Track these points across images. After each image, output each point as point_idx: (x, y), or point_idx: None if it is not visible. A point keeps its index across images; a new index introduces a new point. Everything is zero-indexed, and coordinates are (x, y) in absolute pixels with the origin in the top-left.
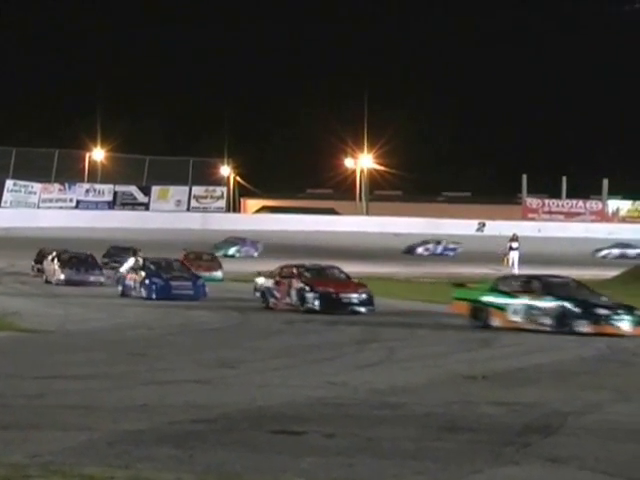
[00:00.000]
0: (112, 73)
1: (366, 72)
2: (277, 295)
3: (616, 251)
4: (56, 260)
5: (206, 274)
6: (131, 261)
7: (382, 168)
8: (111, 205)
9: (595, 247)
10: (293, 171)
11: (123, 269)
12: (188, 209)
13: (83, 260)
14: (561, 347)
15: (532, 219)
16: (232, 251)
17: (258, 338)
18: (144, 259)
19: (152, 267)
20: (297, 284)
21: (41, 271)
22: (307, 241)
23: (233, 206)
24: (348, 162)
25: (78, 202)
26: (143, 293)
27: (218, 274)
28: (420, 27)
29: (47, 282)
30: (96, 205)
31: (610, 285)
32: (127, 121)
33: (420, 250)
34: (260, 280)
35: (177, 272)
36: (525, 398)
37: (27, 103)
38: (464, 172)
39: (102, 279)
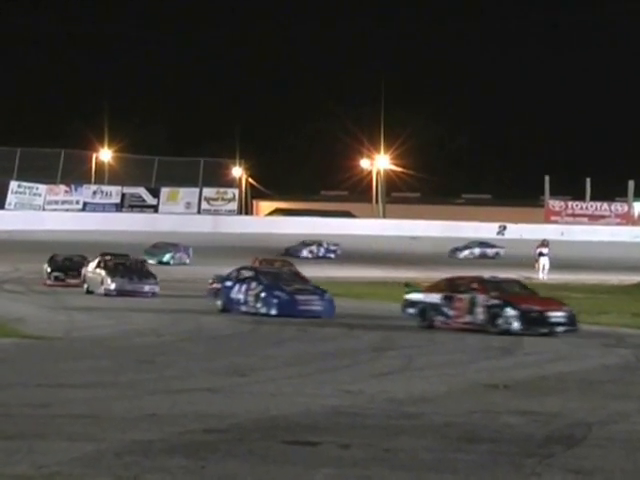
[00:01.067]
0: (120, 71)
1: (383, 71)
2: (450, 313)
3: (477, 250)
4: (102, 267)
5: None
6: (232, 272)
7: (399, 169)
8: (119, 207)
9: (453, 246)
10: (307, 172)
11: (218, 281)
12: (199, 211)
13: (133, 267)
14: (585, 355)
15: (555, 222)
16: (167, 257)
17: (271, 345)
18: (254, 268)
19: (267, 278)
20: (486, 300)
21: (60, 279)
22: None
23: (245, 208)
24: (364, 163)
25: (85, 204)
26: (261, 309)
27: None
28: (440, 25)
29: (88, 292)
30: (103, 207)
31: (635, 290)
32: (135, 120)
33: (305, 253)
34: (415, 295)
35: (298, 284)
36: (548, 408)
37: (32, 102)
38: (484, 173)
39: (157, 289)
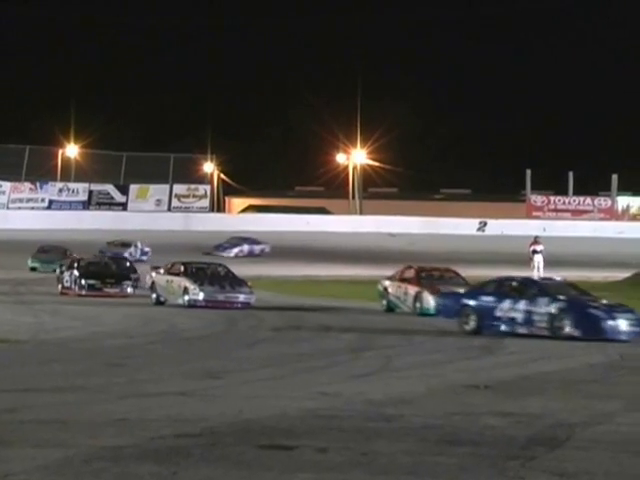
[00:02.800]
0: (86, 64)
1: (359, 62)
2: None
3: (246, 248)
4: (180, 272)
5: None
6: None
7: (376, 164)
8: (86, 205)
9: (215, 243)
10: (281, 168)
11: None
12: (169, 209)
13: (219, 272)
14: (568, 354)
15: (537, 217)
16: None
17: (245, 347)
18: (529, 280)
19: (559, 293)
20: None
21: (96, 288)
22: (297, 242)
23: (217, 205)
24: (340, 158)
25: (51, 202)
26: (565, 329)
27: None
28: (418, 16)
29: (158, 303)
30: (70, 205)
31: (619, 287)
32: (103, 115)
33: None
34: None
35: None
36: (530, 408)
37: None
38: (464, 168)
39: (253, 299)
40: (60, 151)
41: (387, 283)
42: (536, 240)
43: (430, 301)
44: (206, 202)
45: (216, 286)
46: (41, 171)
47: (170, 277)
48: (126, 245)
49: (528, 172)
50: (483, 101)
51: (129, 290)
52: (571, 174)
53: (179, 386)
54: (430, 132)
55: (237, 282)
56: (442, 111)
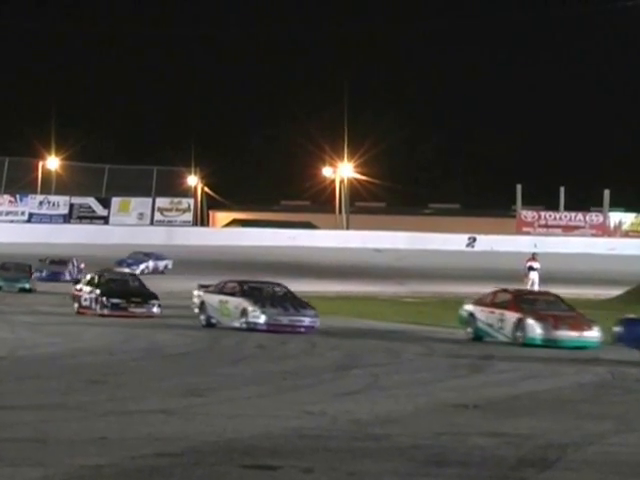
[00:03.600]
0: (68, 75)
1: (346, 74)
2: None
3: (151, 264)
4: (234, 292)
5: (574, 335)
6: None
7: (364, 178)
8: (67, 218)
9: (118, 259)
10: (267, 181)
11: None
12: (152, 223)
13: (277, 292)
14: (559, 373)
15: (527, 233)
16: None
17: (229, 364)
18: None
19: None
20: None
21: (121, 307)
22: (282, 257)
23: (201, 219)
24: (326, 171)
25: (31, 215)
26: None
27: (594, 335)
28: (406, 28)
29: (209, 325)
30: (50, 218)
31: (611, 305)
32: (84, 126)
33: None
34: None
35: None
36: (520, 429)
37: None
38: (453, 182)
39: (318, 322)
40: (40, 163)
41: (472, 308)
42: (533, 257)
43: (536, 329)
44: (189, 216)
45: (279, 308)
46: (21, 184)
47: (224, 297)
48: (63, 263)
49: (518, 187)
50: (473, 114)
51: (155, 310)
52: (562, 189)
53: (161, 404)
54: (419, 146)
55: (300, 304)
56: (431, 124)
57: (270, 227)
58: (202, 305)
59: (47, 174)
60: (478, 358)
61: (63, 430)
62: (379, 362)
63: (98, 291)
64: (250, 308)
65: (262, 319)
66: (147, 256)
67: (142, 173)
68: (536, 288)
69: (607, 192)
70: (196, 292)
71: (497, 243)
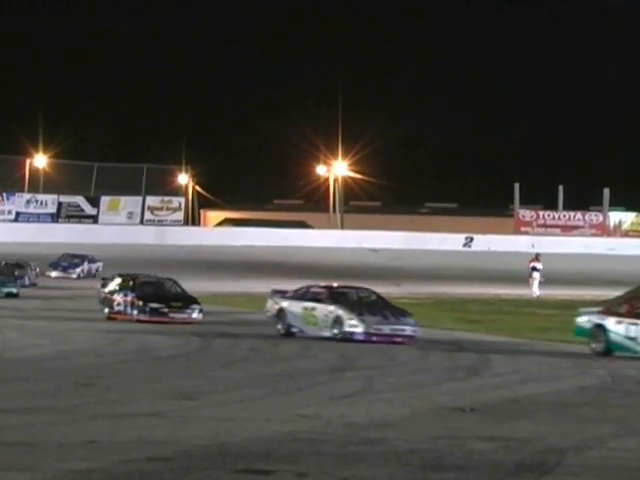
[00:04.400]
0: (55, 71)
1: (340, 70)
2: None
3: (86, 267)
4: (322, 298)
5: None
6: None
7: (358, 176)
8: (55, 217)
9: (51, 261)
10: (259, 179)
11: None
12: (141, 222)
13: (369, 297)
14: (558, 376)
15: (525, 233)
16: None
17: (221, 366)
18: None
19: None
20: None
21: (161, 312)
22: (275, 257)
23: (192, 219)
24: (320, 170)
25: (18, 214)
26: None
27: None
28: (402, 24)
29: (288, 334)
30: (38, 217)
31: None
32: (73, 123)
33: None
34: None
35: None
36: (519, 432)
37: None
38: (450, 181)
39: (419, 331)
40: (28, 161)
41: (598, 318)
42: (537, 257)
43: None
44: (180, 215)
45: (378, 316)
46: (7, 182)
47: (310, 304)
48: (20, 267)
49: (516, 186)
50: (470, 112)
51: (196, 315)
52: (561, 188)
53: (151, 407)
54: (415, 143)
55: (397, 310)
56: (427, 122)
57: (263, 226)
58: (280, 313)
59: (35, 172)
60: (475, 361)
61: (51, 434)
62: (374, 365)
63: (134, 295)
64: (346, 316)
65: (360, 328)
66: (79, 258)
67: (132, 171)
68: (536, 289)
69: (607, 191)
70: (271, 298)
71: (495, 243)
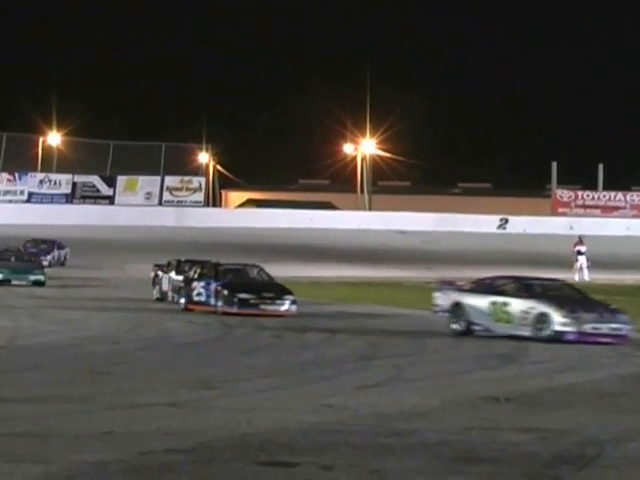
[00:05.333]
0: (70, 45)
1: (369, 44)
2: None
3: (56, 253)
4: (520, 290)
5: None
6: None
7: (387, 155)
8: (69, 198)
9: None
10: (283, 159)
11: None
12: (160, 203)
13: (560, 289)
14: (598, 364)
15: (563, 214)
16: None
17: (243, 354)
18: None
19: None
20: None
21: (253, 305)
22: (299, 240)
23: (213, 199)
24: (347, 148)
25: (30, 195)
26: None
27: None
28: None
29: (467, 332)
30: (52, 198)
31: None
32: (88, 100)
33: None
34: None
35: None
36: (556, 424)
37: None
38: (483, 160)
39: (633, 332)
40: (41, 139)
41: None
42: (580, 240)
43: None
44: (200, 196)
45: (593, 313)
46: (20, 161)
47: (500, 298)
48: (45, 243)
49: (554, 164)
50: (505, 88)
51: (291, 307)
52: (601, 167)
53: (170, 396)
54: (446, 120)
55: (607, 307)
56: (459, 98)
57: (287, 208)
58: (456, 308)
59: (48, 151)
60: (510, 348)
61: (66, 424)
62: (403, 352)
63: (218, 284)
64: (555, 313)
65: (574, 327)
66: (46, 243)
67: (150, 150)
68: (585, 274)
69: None
70: (440, 291)
71: (531, 225)
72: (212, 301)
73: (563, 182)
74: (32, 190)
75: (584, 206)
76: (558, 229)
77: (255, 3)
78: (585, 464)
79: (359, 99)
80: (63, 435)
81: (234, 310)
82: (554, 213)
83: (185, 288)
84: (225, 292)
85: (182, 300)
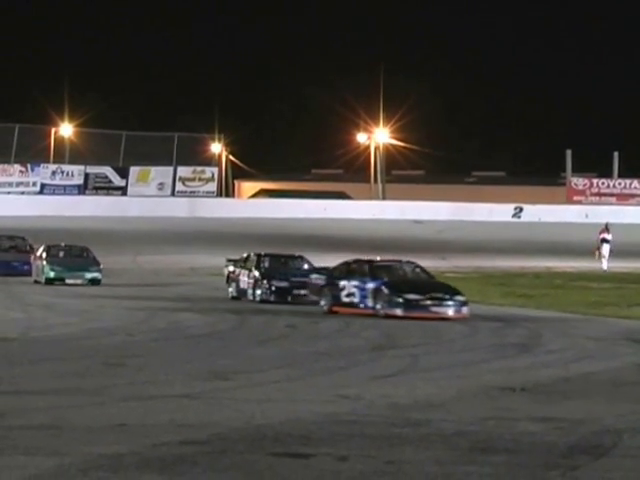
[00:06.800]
0: (82, 35)
1: (382, 32)
2: None
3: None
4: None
5: None
6: None
7: (401, 144)
8: (82, 189)
9: None
10: (296, 148)
11: None
12: (173, 194)
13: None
14: (614, 353)
15: (578, 202)
16: None
17: (256, 345)
18: None
19: None
20: None
21: (420, 306)
22: (313, 230)
23: (226, 190)
24: (361, 137)
25: (43, 186)
26: None
27: None
28: None
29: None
30: (64, 189)
31: None
32: (100, 91)
33: None
34: None
35: None
36: (572, 413)
37: None
38: (497, 148)
39: None
40: (53, 130)
41: None
42: (606, 228)
43: None
44: (213, 186)
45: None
46: (32, 152)
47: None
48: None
49: (568, 152)
50: (518, 75)
51: (461, 309)
52: (616, 154)
53: (184, 388)
54: (460, 109)
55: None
56: (473, 86)
57: (300, 198)
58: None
59: (60, 142)
60: (526, 337)
61: (80, 416)
62: (418, 342)
63: (378, 283)
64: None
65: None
66: (15, 240)
67: (162, 140)
68: (605, 262)
69: None
70: None
71: (546, 213)
72: (369, 302)
73: (578, 170)
74: (44, 181)
75: (599, 194)
76: (573, 217)
77: None
78: (602, 454)
79: (372, 88)
80: (77, 427)
81: (398, 313)
82: (569, 201)
83: (329, 287)
84: (386, 292)
85: (322, 301)
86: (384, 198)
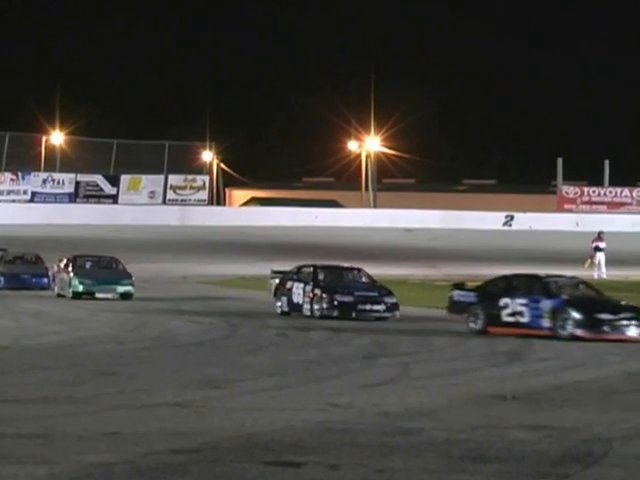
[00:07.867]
0: (73, 44)
1: (373, 40)
2: None
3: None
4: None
5: None
6: None
7: (392, 152)
8: (73, 198)
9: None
10: (287, 157)
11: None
12: (164, 202)
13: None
14: (604, 361)
15: (569, 210)
16: None
17: (247, 353)
18: None
19: None
20: None
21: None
22: (304, 238)
23: (217, 198)
24: (352, 145)
25: (34, 194)
26: None
27: None
28: None
29: None
30: (55, 198)
31: None
32: (91, 99)
33: None
34: None
35: None
36: (563, 421)
37: None
38: (488, 156)
39: None
40: (44, 138)
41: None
42: (600, 236)
43: None
44: (205, 194)
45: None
46: (23, 160)
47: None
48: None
49: (559, 161)
50: (509, 83)
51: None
52: (607, 162)
53: (175, 396)
54: (451, 118)
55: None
56: (463, 94)
57: (291, 206)
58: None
59: (51, 150)
60: (516, 346)
61: (71, 425)
62: (409, 351)
63: (557, 301)
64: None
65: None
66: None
67: (153, 148)
68: (603, 270)
69: None
70: None
71: (536, 221)
72: (543, 323)
73: (569, 178)
74: (35, 190)
75: (590, 202)
76: (564, 226)
77: (259, 1)
78: (593, 462)
79: (363, 96)
80: (68, 436)
81: (586, 335)
82: (560, 210)
83: (485, 303)
84: (572, 311)
85: (472, 324)
86: (375, 206)
